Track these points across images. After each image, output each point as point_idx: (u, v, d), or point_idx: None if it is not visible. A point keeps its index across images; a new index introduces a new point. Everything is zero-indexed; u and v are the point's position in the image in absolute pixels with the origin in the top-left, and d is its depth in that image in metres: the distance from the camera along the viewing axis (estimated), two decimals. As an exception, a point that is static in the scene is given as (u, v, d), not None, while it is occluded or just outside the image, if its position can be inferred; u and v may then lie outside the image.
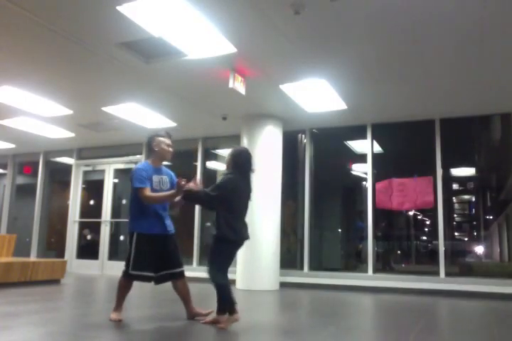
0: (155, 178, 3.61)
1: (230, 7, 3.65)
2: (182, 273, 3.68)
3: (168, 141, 3.72)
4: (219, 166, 8.33)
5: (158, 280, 3.61)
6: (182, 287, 3.69)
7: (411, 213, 9.73)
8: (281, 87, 5.43)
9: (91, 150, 9.26)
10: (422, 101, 5.95)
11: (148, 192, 3.48)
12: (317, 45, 4.33)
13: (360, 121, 6.87)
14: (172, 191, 3.46)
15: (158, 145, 3.69)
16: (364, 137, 7.00)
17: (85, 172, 9.39)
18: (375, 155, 6.97)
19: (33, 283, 6.07)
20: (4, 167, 10.28)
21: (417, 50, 4.43)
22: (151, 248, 3.52)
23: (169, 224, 3.67)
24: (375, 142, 7.00)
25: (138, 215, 3.56)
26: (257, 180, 6.53)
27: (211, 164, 8.36)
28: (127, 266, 3.52)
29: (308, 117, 6.61)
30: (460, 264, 7.77)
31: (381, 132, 7.03)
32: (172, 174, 3.83)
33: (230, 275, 3.50)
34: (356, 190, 7.97)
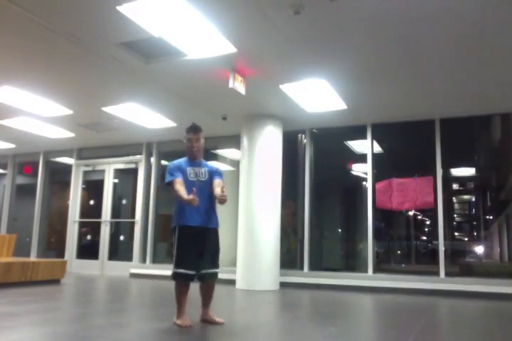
0: (189, 170, 3.60)
1: (229, 7, 3.65)
2: (215, 275, 3.51)
3: (189, 136, 3.65)
4: (219, 166, 8.32)
5: (199, 279, 3.48)
6: (208, 288, 3.57)
7: (411, 213, 9.73)
8: (281, 87, 5.43)
9: (91, 150, 9.26)
10: (422, 101, 5.95)
11: (177, 184, 3.45)
12: (317, 45, 4.33)
13: (360, 121, 6.86)
14: (190, 197, 3.30)
15: (184, 141, 3.70)
16: (364, 137, 6.99)
17: (85, 172, 9.39)
18: (375, 155, 6.97)
19: (33, 283, 6.07)
20: (4, 167, 10.28)
21: (417, 50, 4.43)
22: (193, 243, 3.42)
23: (213, 218, 3.58)
24: (375, 142, 7.00)
25: (179, 211, 3.51)
26: (257, 180, 6.59)
27: (211, 164, 8.35)
28: (172, 266, 3.43)
29: (308, 117, 6.61)
30: (460, 264, 7.77)
31: (381, 132, 7.02)
32: (212, 167, 3.79)
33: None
34: (356, 190, 7.97)
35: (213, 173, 3.73)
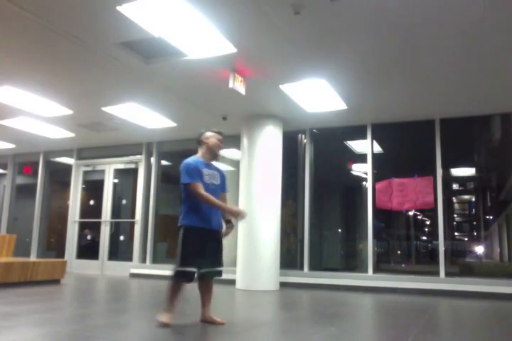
0: (205, 171, 3.55)
1: (230, 7, 3.65)
2: (220, 273, 3.57)
3: (219, 137, 3.75)
4: (218, 166, 8.32)
5: (200, 278, 3.49)
6: (208, 287, 3.60)
7: (411, 213, 9.73)
8: (281, 87, 5.43)
9: (91, 150, 9.26)
10: (422, 101, 5.95)
11: (201, 189, 3.40)
12: (317, 45, 4.34)
13: (360, 121, 6.87)
14: (229, 207, 3.50)
15: (209, 139, 3.69)
16: (364, 137, 7.00)
17: (85, 172, 9.40)
18: (375, 155, 6.97)
19: (33, 283, 6.07)
20: (4, 167, 10.28)
21: (416, 50, 4.43)
22: (197, 242, 3.41)
23: (216, 220, 3.56)
24: (375, 142, 7.00)
25: (189, 211, 3.45)
26: (257, 180, 6.59)
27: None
28: (176, 264, 3.39)
29: (308, 117, 6.61)
30: (460, 264, 7.77)
31: (381, 132, 7.03)
32: (223, 172, 3.80)
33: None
34: (356, 190, 7.97)
35: (223, 181, 3.75)
